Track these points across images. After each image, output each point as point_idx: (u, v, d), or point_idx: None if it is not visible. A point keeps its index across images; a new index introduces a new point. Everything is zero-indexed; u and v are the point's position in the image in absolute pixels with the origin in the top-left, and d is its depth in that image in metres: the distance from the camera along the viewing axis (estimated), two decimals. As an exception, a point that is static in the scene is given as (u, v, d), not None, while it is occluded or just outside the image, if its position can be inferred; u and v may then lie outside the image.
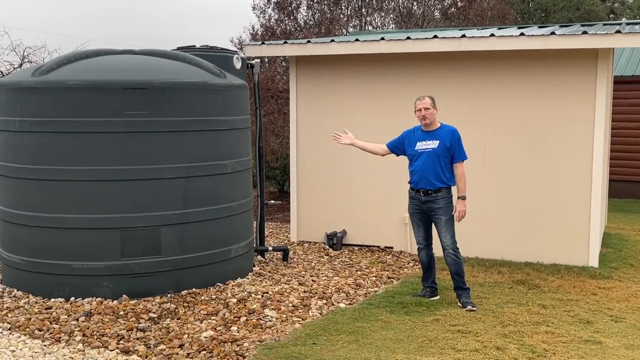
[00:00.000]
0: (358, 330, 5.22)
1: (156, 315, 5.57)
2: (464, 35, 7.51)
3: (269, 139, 12.18)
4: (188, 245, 6.25)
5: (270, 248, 7.71)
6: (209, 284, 6.40)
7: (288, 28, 16.43)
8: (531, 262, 7.60)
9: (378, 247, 8.37)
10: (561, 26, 9.76)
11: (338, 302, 6.05)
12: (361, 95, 8.28)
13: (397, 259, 7.88)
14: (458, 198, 5.88)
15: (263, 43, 8.72)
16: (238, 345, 4.92)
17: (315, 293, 6.31)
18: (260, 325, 5.39)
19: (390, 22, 18.91)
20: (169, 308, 5.75)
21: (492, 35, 7.38)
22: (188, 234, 6.25)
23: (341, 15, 17.85)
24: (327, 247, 8.38)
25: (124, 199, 5.99)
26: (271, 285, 6.55)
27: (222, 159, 6.51)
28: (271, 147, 12.23)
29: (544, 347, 4.83)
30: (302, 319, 5.55)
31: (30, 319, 5.48)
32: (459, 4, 19.36)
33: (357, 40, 7.99)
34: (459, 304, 5.92)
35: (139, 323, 5.39)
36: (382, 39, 7.81)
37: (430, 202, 5.90)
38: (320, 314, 5.73)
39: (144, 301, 5.91)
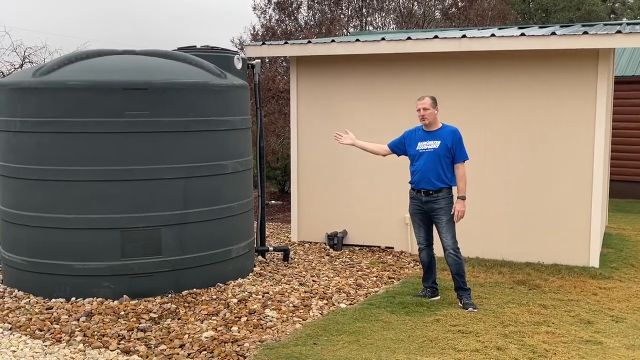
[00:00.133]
0: (359, 330, 5.22)
1: (157, 316, 5.58)
2: (464, 36, 7.51)
3: (270, 139, 12.18)
4: (189, 246, 6.26)
5: (270, 248, 7.71)
6: (210, 284, 6.40)
7: (289, 28, 16.42)
8: (532, 262, 7.59)
9: (379, 247, 8.37)
10: (562, 26, 9.76)
11: (339, 303, 6.05)
12: (362, 96, 8.29)
13: (397, 259, 7.88)
14: (458, 198, 5.88)
15: (264, 43, 8.72)
16: (239, 345, 4.92)
17: (316, 293, 6.31)
18: (261, 325, 5.39)
19: (391, 22, 18.91)
20: (169, 308, 5.75)
21: (493, 35, 7.38)
22: (188, 234, 6.25)
23: (342, 16, 17.84)
24: (328, 247, 8.38)
25: (125, 199, 5.99)
26: (272, 286, 6.55)
27: (223, 159, 6.51)
28: (272, 147, 12.23)
29: (545, 347, 4.83)
30: (303, 319, 5.55)
31: (31, 319, 5.48)
32: (459, 4, 19.35)
33: (357, 40, 7.99)
34: (459, 304, 5.92)
35: (140, 323, 5.40)
36: (383, 39, 7.81)
37: (431, 202, 5.90)
38: (320, 314, 5.73)
39: (145, 301, 5.92)
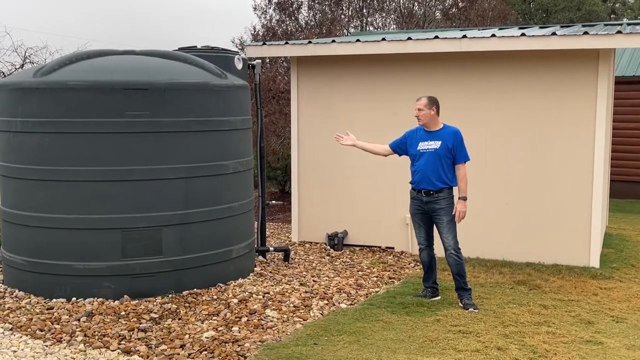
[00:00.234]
0: (359, 330, 5.22)
1: (157, 316, 5.58)
2: (465, 36, 7.51)
3: (270, 139, 12.18)
4: (189, 246, 6.26)
5: (271, 248, 7.71)
6: (210, 284, 6.40)
7: (289, 28, 16.42)
8: (532, 262, 7.59)
9: (379, 247, 8.37)
10: (562, 26, 9.76)
11: (339, 303, 6.05)
12: (362, 96, 8.29)
13: (398, 260, 7.88)
14: (459, 199, 5.88)
15: (264, 43, 8.73)
16: (239, 345, 4.93)
17: (317, 293, 6.31)
18: (262, 325, 5.39)
19: (392, 22, 18.90)
20: (170, 308, 5.76)
21: (493, 35, 7.38)
22: (189, 234, 6.26)
23: (342, 16, 17.84)
24: (328, 247, 8.38)
25: (125, 200, 6.00)
26: (272, 286, 6.55)
27: (224, 159, 6.51)
28: (272, 147, 12.23)
29: (545, 348, 4.83)
30: (303, 319, 5.56)
31: (31, 319, 5.49)
32: (460, 4, 19.34)
33: (358, 40, 7.99)
34: (460, 304, 5.92)
35: (140, 323, 5.40)
36: (383, 39, 7.81)
37: (432, 203, 5.90)
38: (321, 314, 5.73)
39: (145, 301, 5.92)
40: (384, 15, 18.77)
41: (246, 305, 5.87)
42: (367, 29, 18.28)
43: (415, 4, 18.83)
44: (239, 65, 7.07)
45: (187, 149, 6.22)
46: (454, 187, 5.94)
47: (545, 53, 7.38)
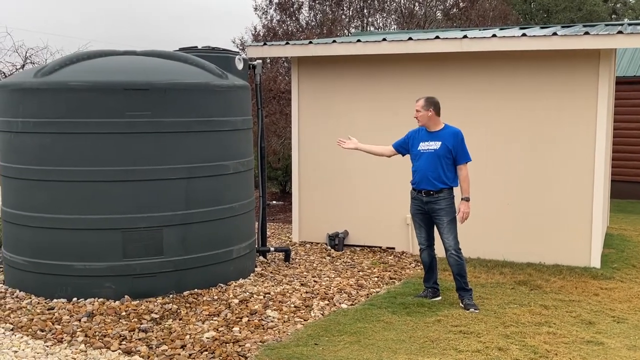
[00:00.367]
0: (360, 330, 5.22)
1: (158, 316, 5.58)
2: (465, 36, 7.51)
3: (271, 139, 12.18)
4: (190, 246, 6.26)
5: (272, 249, 7.71)
6: (211, 285, 6.40)
7: (290, 29, 16.42)
8: (533, 262, 7.59)
9: (380, 247, 8.37)
10: (563, 27, 9.75)
11: (340, 303, 6.05)
12: (363, 96, 8.29)
13: (399, 260, 7.88)
14: (462, 199, 5.88)
15: (265, 44, 8.73)
16: (240, 345, 4.93)
17: (317, 294, 6.31)
18: (262, 325, 5.39)
19: (392, 22, 18.90)
20: (171, 309, 5.76)
21: (494, 35, 7.38)
22: (190, 234, 6.26)
23: (343, 16, 17.84)
24: (329, 247, 8.38)
25: (126, 200, 6.00)
26: (273, 286, 6.55)
27: (224, 159, 6.52)
28: (273, 147, 12.23)
29: (546, 348, 4.83)
30: (304, 320, 5.56)
31: (32, 319, 5.49)
32: (460, 4, 19.34)
33: (358, 41, 7.99)
34: (461, 304, 5.92)
35: (141, 324, 5.40)
36: (384, 39, 7.81)
37: (432, 203, 5.90)
38: (322, 314, 5.73)
39: (146, 302, 5.92)
40: (384, 15, 18.78)
41: (247, 306, 5.87)
42: (368, 29, 18.28)
43: (416, 4, 18.83)
44: (240, 66, 7.07)
45: (188, 149, 6.22)
46: (454, 188, 5.94)
47: (546, 53, 7.38)
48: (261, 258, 7.68)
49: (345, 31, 17.29)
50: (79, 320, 5.46)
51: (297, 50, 8.35)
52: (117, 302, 5.89)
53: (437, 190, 5.87)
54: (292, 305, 5.92)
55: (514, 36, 7.30)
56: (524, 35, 7.25)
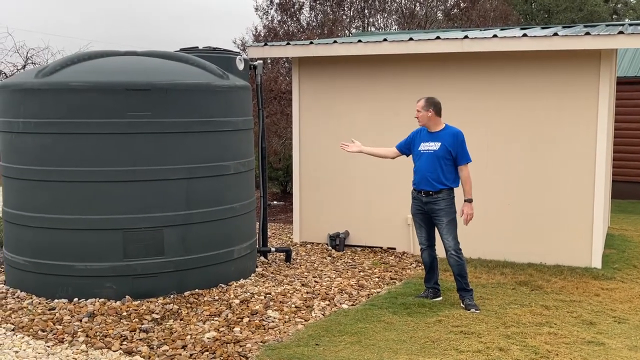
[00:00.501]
0: (361, 331, 5.22)
1: (159, 316, 5.58)
2: (466, 36, 7.51)
3: (272, 140, 12.18)
4: (191, 246, 6.26)
5: (273, 249, 7.72)
6: (212, 285, 6.40)
7: (291, 29, 16.43)
8: (534, 263, 7.59)
9: (381, 248, 8.37)
10: (564, 27, 9.75)
11: (341, 303, 6.05)
12: (364, 96, 8.29)
13: (399, 260, 7.88)
14: (464, 201, 5.88)
15: (266, 44, 8.74)
16: (241, 346, 4.93)
17: (318, 294, 6.31)
18: (263, 326, 5.39)
19: (393, 23, 18.90)
20: (172, 309, 5.76)
21: (495, 36, 7.38)
22: (191, 234, 6.26)
23: (344, 17, 17.85)
24: (330, 248, 8.38)
25: (127, 200, 6.00)
26: (274, 286, 6.55)
27: (225, 160, 6.52)
28: (274, 148, 12.23)
29: (547, 348, 4.83)
30: (305, 320, 5.56)
31: (33, 319, 5.49)
32: (461, 5, 19.34)
33: (359, 41, 7.99)
34: (461, 305, 5.92)
35: (142, 324, 5.40)
36: (385, 40, 7.81)
37: (431, 204, 5.90)
38: (322, 314, 5.73)
39: (147, 302, 5.92)
40: (385, 15, 18.78)
41: (248, 306, 5.87)
42: (369, 29, 18.29)
43: (417, 4, 18.83)
44: (241, 66, 7.07)
45: (189, 149, 6.23)
46: (455, 188, 5.94)
47: (547, 54, 7.38)
48: (262, 258, 7.68)
49: (346, 31, 17.29)
50: (80, 321, 5.47)
51: (297, 51, 8.35)
52: (118, 303, 5.89)
53: (436, 190, 5.87)
54: (293, 306, 5.92)
55: (514, 36, 7.30)
56: (524, 35, 7.25)
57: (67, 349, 4.90)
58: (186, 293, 6.19)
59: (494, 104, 7.73)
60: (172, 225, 6.15)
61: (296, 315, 5.68)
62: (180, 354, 4.77)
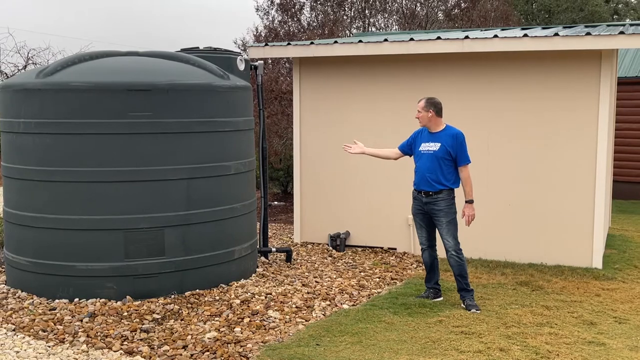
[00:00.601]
0: (361, 331, 5.22)
1: (160, 316, 5.59)
2: (467, 37, 7.51)
3: (273, 140, 12.18)
4: (192, 247, 6.27)
5: (273, 249, 7.72)
6: (213, 285, 6.41)
7: (291, 29, 16.44)
8: (535, 263, 7.59)
9: (381, 248, 8.37)
10: (565, 27, 9.75)
11: (341, 303, 6.05)
12: (364, 97, 8.29)
13: (400, 260, 7.88)
14: (465, 202, 5.88)
15: (266, 44, 8.74)
16: (241, 346, 4.93)
17: (319, 294, 6.31)
18: (264, 326, 5.40)
19: (394, 23, 18.92)
20: (172, 309, 5.76)
21: (496, 36, 7.38)
22: (192, 235, 6.26)
23: (344, 17, 17.86)
24: (331, 248, 8.38)
25: (128, 200, 6.01)
26: (274, 287, 6.55)
27: (226, 160, 6.52)
28: (274, 148, 12.23)
29: (548, 349, 4.83)
30: (306, 320, 5.56)
31: (34, 319, 5.50)
32: (462, 5, 19.35)
33: (360, 41, 7.99)
34: (462, 305, 5.92)
35: (143, 324, 5.41)
36: (386, 40, 7.81)
37: (431, 204, 5.90)
38: (323, 315, 5.73)
39: (148, 302, 5.93)
40: (386, 16, 18.79)
41: (248, 306, 5.87)
42: (370, 29, 18.29)
43: (418, 4, 18.84)
44: (242, 66, 7.08)
45: (190, 149, 6.23)
46: (455, 189, 5.94)
47: (547, 54, 7.38)
48: (263, 258, 7.68)
49: (347, 32, 17.30)
50: (81, 321, 5.47)
51: (298, 51, 8.35)
52: (119, 303, 5.89)
53: (435, 191, 5.87)
54: (294, 306, 5.92)
55: (515, 37, 7.30)
56: (525, 35, 7.25)
57: (67, 349, 4.90)
58: (187, 293, 6.19)
59: (494, 104, 7.73)
60: (173, 226, 6.16)
61: (297, 316, 5.68)
62: (181, 354, 4.77)
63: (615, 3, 33.08)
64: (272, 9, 16.98)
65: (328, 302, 6.07)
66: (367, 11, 18.26)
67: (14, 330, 5.29)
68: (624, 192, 13.18)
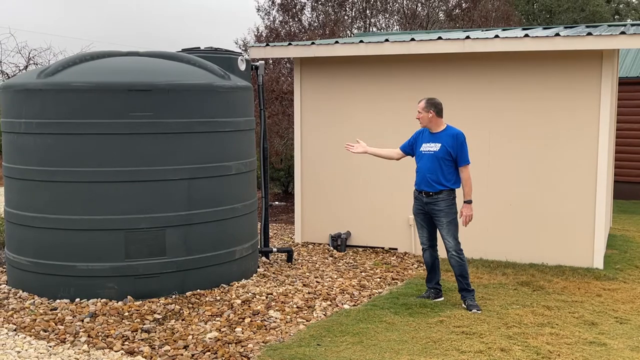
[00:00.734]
0: (362, 331, 5.22)
1: (161, 317, 5.59)
2: (468, 37, 7.51)
3: (273, 140, 12.18)
4: (193, 247, 6.27)
5: (274, 249, 7.72)
6: (214, 285, 6.41)
7: (292, 30, 16.44)
8: (536, 263, 7.59)
9: (382, 248, 8.37)
10: (566, 27, 9.75)
11: (342, 304, 6.05)
12: (365, 97, 8.29)
13: (401, 260, 7.88)
14: (464, 202, 5.88)
15: (267, 45, 8.74)
16: (242, 346, 4.93)
17: (320, 294, 6.31)
18: (265, 326, 5.40)
19: (395, 23, 18.92)
20: (173, 309, 5.76)
21: (497, 36, 7.38)
22: (192, 235, 6.26)
23: (345, 17, 17.86)
24: (332, 248, 8.38)
25: (129, 201, 6.01)
26: (275, 287, 6.56)
27: (227, 160, 6.52)
28: (275, 148, 12.23)
29: (549, 349, 4.83)
30: (307, 320, 5.56)
31: (35, 320, 5.50)
32: (463, 5, 19.35)
33: (361, 41, 7.99)
34: (463, 305, 5.92)
35: (144, 324, 5.41)
36: (387, 40, 7.81)
37: (431, 204, 5.90)
38: (324, 315, 5.73)
39: (149, 302, 5.93)
40: (387, 16, 18.79)
41: (249, 306, 5.87)
42: (371, 30, 18.30)
43: (419, 5, 18.84)
44: (242, 67, 7.08)
45: (191, 150, 6.23)
46: (456, 189, 5.94)
47: (548, 54, 7.38)
48: (264, 259, 7.68)
49: (348, 32, 17.31)
50: (82, 321, 5.47)
51: (299, 51, 8.35)
52: (120, 303, 5.90)
53: (436, 191, 5.87)
54: (295, 306, 5.93)
55: (516, 37, 7.30)
56: (526, 36, 7.24)
57: (69, 349, 4.91)
58: (188, 293, 6.19)
59: (495, 105, 7.73)
60: (174, 226, 6.16)
61: (298, 316, 5.68)
62: (182, 354, 4.77)
63: (616, 3, 33.07)
64: (273, 9, 16.99)
65: (329, 302, 6.07)
66: (368, 11, 18.26)
67: (15, 330, 5.29)
68: (625, 192, 13.18)
